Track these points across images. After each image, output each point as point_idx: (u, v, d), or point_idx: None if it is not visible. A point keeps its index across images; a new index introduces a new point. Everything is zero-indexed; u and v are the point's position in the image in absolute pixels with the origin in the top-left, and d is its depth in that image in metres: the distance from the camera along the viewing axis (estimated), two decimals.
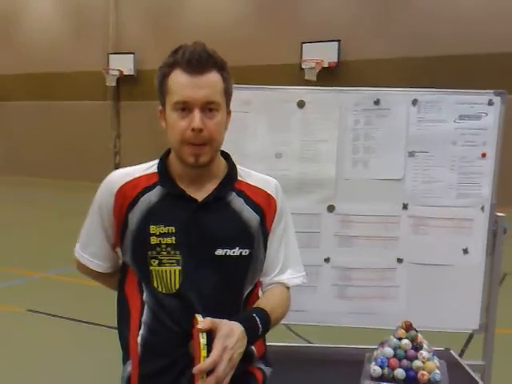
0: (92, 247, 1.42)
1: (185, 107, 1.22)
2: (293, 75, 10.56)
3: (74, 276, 5.29)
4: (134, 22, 13.00)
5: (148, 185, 1.33)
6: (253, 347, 1.32)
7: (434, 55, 9.78)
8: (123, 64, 12.79)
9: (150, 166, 1.37)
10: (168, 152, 1.37)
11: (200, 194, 1.32)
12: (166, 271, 1.28)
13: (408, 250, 2.14)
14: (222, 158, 1.39)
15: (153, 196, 1.31)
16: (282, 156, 2.10)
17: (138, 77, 12.67)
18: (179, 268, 1.27)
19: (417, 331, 1.91)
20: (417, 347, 1.88)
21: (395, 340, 1.90)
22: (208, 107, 1.23)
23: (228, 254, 1.29)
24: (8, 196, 10.76)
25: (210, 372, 1.06)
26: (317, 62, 10.64)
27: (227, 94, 1.29)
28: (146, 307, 1.31)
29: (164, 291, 1.28)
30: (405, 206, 2.13)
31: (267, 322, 1.26)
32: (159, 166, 1.35)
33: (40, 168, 13.67)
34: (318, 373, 2.01)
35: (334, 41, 10.55)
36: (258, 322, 1.23)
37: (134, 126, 12.97)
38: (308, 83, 10.19)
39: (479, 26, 9.46)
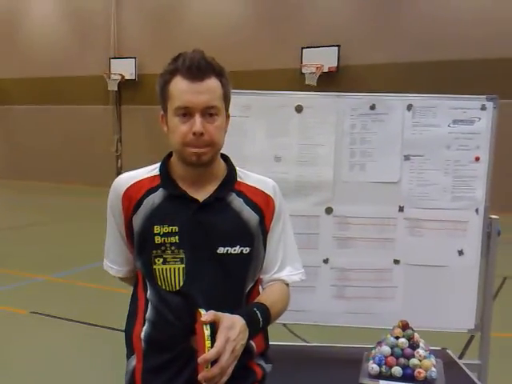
0: (111, 254, 1.49)
1: (186, 112, 1.28)
2: (293, 80, 10.63)
3: (76, 279, 5.36)
4: (136, 27, 13.08)
5: (151, 187, 1.38)
6: (253, 343, 1.36)
7: (433, 60, 9.85)
8: (124, 68, 12.87)
9: (153, 169, 1.43)
10: (169, 155, 1.43)
11: (201, 195, 1.37)
12: (170, 269, 1.33)
13: (404, 252, 2.19)
14: (221, 161, 1.44)
15: (156, 198, 1.37)
16: (280, 159, 2.16)
17: (140, 81, 12.75)
18: (183, 266, 1.33)
19: (413, 330, 1.96)
20: (413, 346, 1.93)
21: (392, 339, 1.95)
22: (208, 112, 1.28)
23: (229, 251, 1.34)
24: (10, 200, 10.81)
25: (213, 362, 1.11)
26: (317, 67, 10.70)
27: (226, 99, 1.34)
28: (149, 305, 1.37)
29: (167, 289, 1.33)
30: (401, 209, 2.18)
31: (267, 315, 1.31)
32: (161, 169, 1.41)
33: (42, 172, 13.73)
34: (317, 372, 2.05)
35: (333, 46, 10.63)
36: (259, 316, 1.28)
37: (135, 130, 13.03)
38: (308, 88, 10.26)
39: (477, 31, 9.54)
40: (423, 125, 2.13)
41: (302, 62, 10.91)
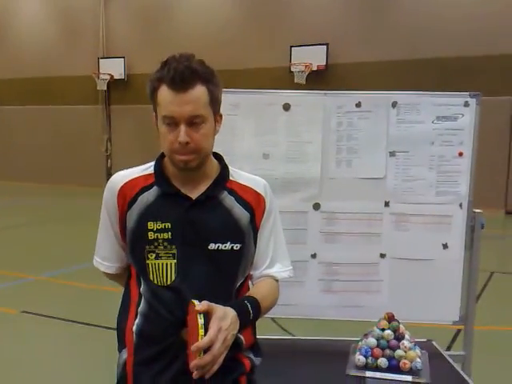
0: (102, 250, 1.52)
1: (171, 122, 1.32)
2: (282, 78, 10.67)
3: (67, 278, 5.36)
4: (124, 27, 13.06)
5: (146, 185, 1.42)
6: (241, 336, 1.40)
7: (419, 58, 9.95)
8: (113, 68, 12.85)
9: (148, 168, 1.47)
10: (163, 154, 1.46)
11: (194, 193, 1.41)
12: (162, 264, 1.37)
13: (390, 246, 2.24)
14: (214, 160, 1.48)
15: (150, 195, 1.41)
16: (269, 157, 2.19)
17: (129, 81, 12.74)
18: (175, 261, 1.37)
19: (399, 322, 2.01)
20: (399, 337, 1.98)
21: (378, 331, 2.00)
22: (193, 121, 1.32)
23: (220, 248, 1.38)
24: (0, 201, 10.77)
25: (206, 351, 1.16)
26: (306, 66, 10.76)
27: (214, 104, 1.37)
28: (142, 299, 1.40)
29: (159, 283, 1.37)
30: (387, 204, 2.22)
31: (257, 308, 1.35)
32: (155, 168, 1.45)
33: (31, 172, 13.66)
34: (305, 364, 2.09)
35: (322, 44, 10.68)
36: (249, 308, 1.32)
37: (124, 130, 13.02)
38: (298, 86, 10.31)
39: (461, 28, 9.65)
40: (408, 121, 2.18)
41: (290, 61, 10.94)
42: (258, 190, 1.48)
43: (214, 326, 1.18)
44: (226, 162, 1.51)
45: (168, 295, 1.36)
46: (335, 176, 2.22)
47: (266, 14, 11.35)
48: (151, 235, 1.36)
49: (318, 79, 10.56)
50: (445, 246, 2.23)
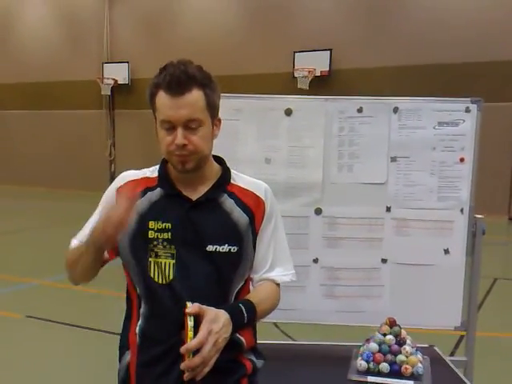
0: (82, 232, 1.48)
1: (169, 126, 1.35)
2: (286, 84, 10.69)
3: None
4: (128, 32, 13.13)
5: (150, 186, 1.46)
6: (242, 338, 1.41)
7: (422, 64, 9.97)
8: (117, 73, 12.90)
9: (154, 170, 1.51)
10: None
11: (195, 195, 1.44)
12: (161, 263, 1.39)
13: (392, 251, 2.24)
14: (215, 163, 1.51)
15: (154, 196, 1.44)
16: (271, 161, 2.20)
17: (132, 85, 12.78)
18: (173, 261, 1.39)
19: (400, 327, 2.01)
20: (400, 342, 1.98)
21: (380, 336, 2.00)
22: (190, 125, 1.35)
23: (218, 249, 1.40)
24: (4, 205, 10.79)
25: (196, 352, 1.17)
26: (309, 71, 10.78)
27: (212, 108, 1.39)
28: (142, 300, 1.42)
29: (159, 282, 1.38)
30: (388, 209, 2.23)
31: (253, 311, 1.36)
32: (159, 170, 1.49)
33: (35, 177, 13.71)
34: (307, 369, 2.09)
35: (325, 50, 10.71)
36: (244, 311, 1.33)
37: (128, 135, 13.06)
38: (301, 92, 10.33)
39: (464, 35, 9.67)
40: (409, 127, 2.19)
41: (294, 66, 10.97)
42: (258, 194, 1.49)
43: (204, 329, 1.19)
44: (229, 166, 1.54)
45: (166, 295, 1.37)
46: (337, 181, 2.22)
47: (270, 20, 11.39)
48: (151, 234, 1.39)
49: (321, 85, 10.58)
50: (446, 252, 2.23)
